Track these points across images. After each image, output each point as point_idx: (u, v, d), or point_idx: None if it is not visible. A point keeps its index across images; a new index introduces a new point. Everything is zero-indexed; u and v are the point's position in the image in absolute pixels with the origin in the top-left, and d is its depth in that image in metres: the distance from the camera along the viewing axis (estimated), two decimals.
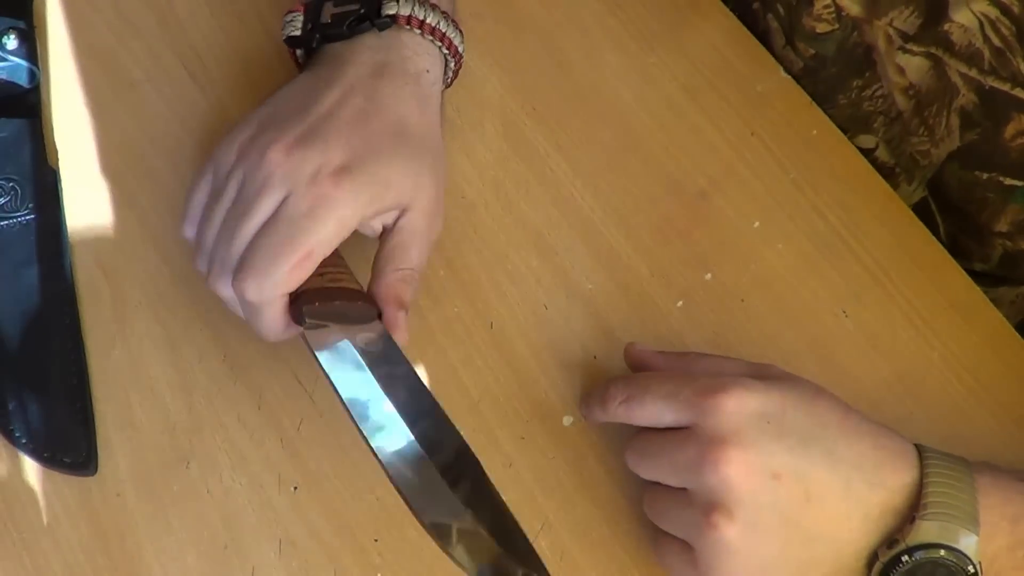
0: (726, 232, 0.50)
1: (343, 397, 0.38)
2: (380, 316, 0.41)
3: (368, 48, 0.44)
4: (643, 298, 0.49)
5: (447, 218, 0.49)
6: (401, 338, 0.41)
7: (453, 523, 0.37)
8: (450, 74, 0.48)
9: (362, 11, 0.44)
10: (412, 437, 0.38)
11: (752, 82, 0.54)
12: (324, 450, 0.45)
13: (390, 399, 0.38)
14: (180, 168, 0.50)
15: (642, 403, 0.40)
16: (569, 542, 0.44)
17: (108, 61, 0.52)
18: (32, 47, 0.50)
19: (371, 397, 0.38)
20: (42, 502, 0.43)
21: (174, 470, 0.44)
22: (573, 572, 0.43)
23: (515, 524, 0.38)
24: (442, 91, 0.47)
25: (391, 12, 0.44)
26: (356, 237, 0.42)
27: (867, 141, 0.55)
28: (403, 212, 0.42)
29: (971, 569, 0.37)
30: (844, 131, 0.53)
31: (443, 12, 0.46)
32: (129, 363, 0.46)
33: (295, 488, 0.44)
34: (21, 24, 0.50)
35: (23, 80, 0.50)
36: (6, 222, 0.47)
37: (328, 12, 0.45)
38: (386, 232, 0.43)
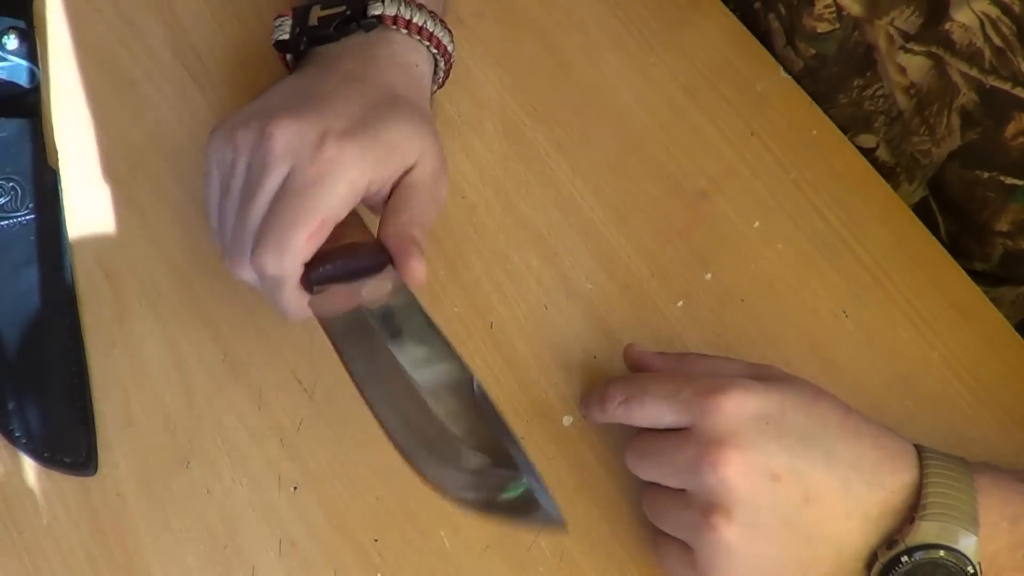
0: (726, 232, 0.50)
1: (352, 372, 0.37)
2: (393, 263, 0.40)
3: (356, 47, 0.44)
4: (643, 298, 0.49)
5: (447, 218, 0.49)
6: (417, 279, 0.40)
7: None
8: (441, 74, 0.48)
9: (348, 12, 0.44)
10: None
11: (752, 82, 0.54)
12: (324, 450, 0.45)
13: (403, 361, 0.37)
14: (180, 168, 0.50)
15: (641, 404, 0.40)
16: (569, 542, 0.44)
17: (108, 61, 0.52)
18: (32, 47, 0.50)
19: (383, 366, 0.38)
20: (42, 502, 0.43)
21: (174, 470, 0.44)
22: (573, 572, 0.43)
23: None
24: (433, 91, 0.47)
25: (376, 12, 0.44)
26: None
27: (868, 141, 0.55)
28: (408, 171, 0.42)
29: (970, 569, 0.37)
30: (845, 131, 0.53)
31: (430, 12, 0.45)
32: (129, 363, 0.46)
33: (295, 488, 0.44)
34: (21, 24, 0.50)
35: (23, 80, 0.50)
36: (6, 222, 0.47)
37: (315, 15, 0.45)
38: (392, 189, 0.42)
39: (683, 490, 0.39)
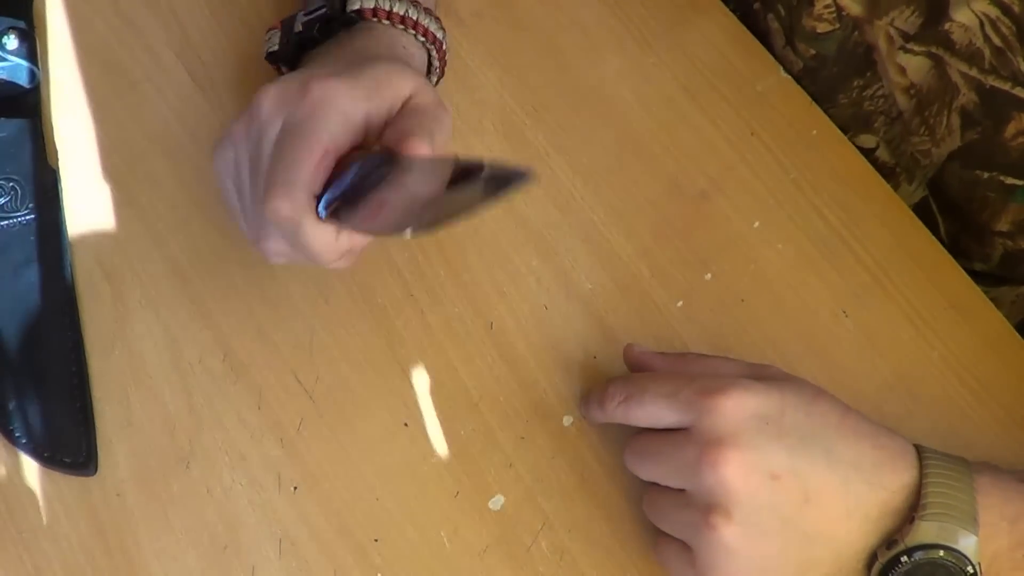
0: (726, 232, 0.50)
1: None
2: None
3: (341, 45, 0.44)
4: (643, 298, 0.49)
5: None
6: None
7: None
8: (436, 64, 0.47)
9: (327, 12, 0.44)
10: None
11: (752, 82, 0.54)
12: (324, 450, 0.45)
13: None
14: (180, 168, 0.50)
15: (641, 403, 0.40)
16: (569, 542, 0.44)
17: (108, 61, 0.52)
18: (32, 47, 0.50)
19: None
20: (42, 502, 0.43)
21: (174, 470, 0.44)
22: (573, 572, 0.43)
23: None
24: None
25: (355, 7, 0.44)
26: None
27: (868, 141, 0.55)
28: (406, 102, 0.41)
29: (970, 570, 0.37)
30: (845, 131, 0.53)
31: (412, 1, 0.45)
32: (129, 363, 0.46)
33: (295, 488, 0.44)
34: (21, 24, 0.50)
35: (23, 80, 0.50)
36: (6, 222, 0.47)
37: (300, 22, 0.45)
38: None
39: (683, 490, 0.39)
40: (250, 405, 0.45)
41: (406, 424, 0.45)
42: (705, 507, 0.37)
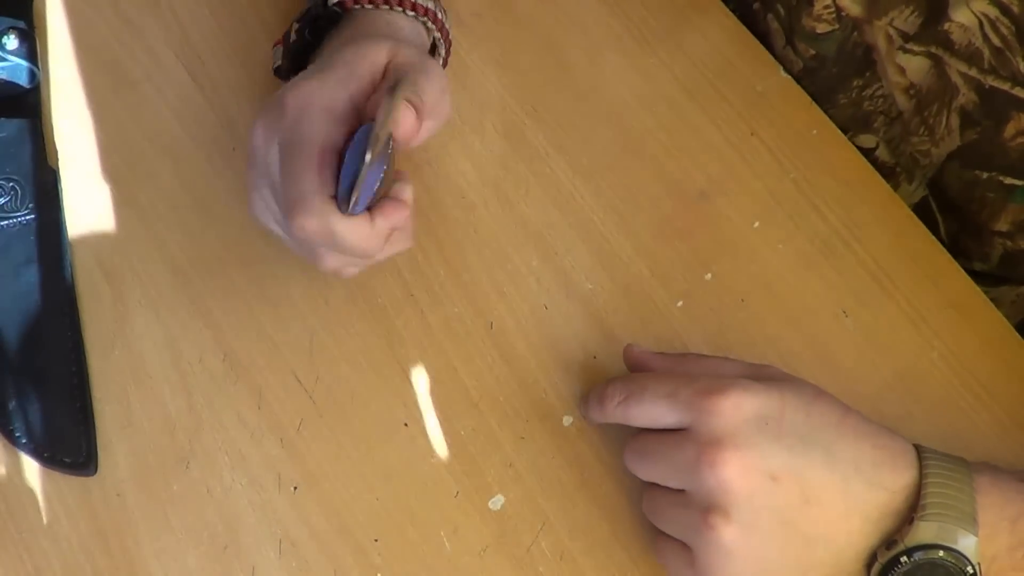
0: (726, 232, 0.50)
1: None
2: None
3: (334, 40, 0.44)
4: (643, 298, 0.49)
5: (447, 218, 0.49)
6: (401, 130, 0.38)
7: None
8: (437, 36, 0.47)
9: (311, 10, 0.44)
10: None
11: (752, 82, 0.54)
12: (324, 450, 0.45)
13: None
14: (180, 168, 0.50)
15: (640, 404, 0.40)
16: (569, 542, 0.44)
17: (108, 61, 0.52)
18: (32, 47, 0.50)
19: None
20: (42, 502, 0.43)
21: (174, 470, 0.44)
22: (573, 572, 0.43)
23: None
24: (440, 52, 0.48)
25: (335, 0, 0.44)
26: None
27: (867, 141, 0.55)
28: (387, 65, 0.41)
29: (970, 570, 0.37)
30: (844, 131, 0.53)
31: None
32: (129, 363, 0.46)
33: (295, 488, 0.44)
34: (21, 24, 0.50)
35: (23, 80, 0.50)
36: (6, 222, 0.47)
37: (293, 30, 0.46)
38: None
39: (682, 490, 0.39)
40: (250, 405, 0.45)
41: (406, 424, 0.45)
42: (704, 507, 0.37)
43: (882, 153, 0.55)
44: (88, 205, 0.49)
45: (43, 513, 0.43)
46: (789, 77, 0.54)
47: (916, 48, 0.49)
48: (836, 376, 0.46)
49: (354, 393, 0.46)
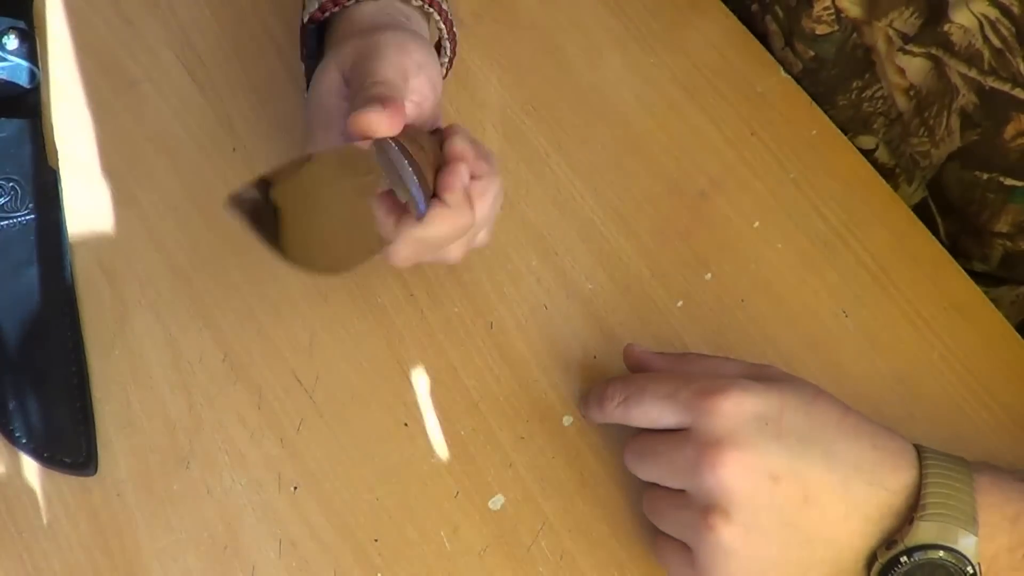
0: (726, 232, 0.50)
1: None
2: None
3: (335, 39, 0.45)
4: (643, 298, 0.49)
5: None
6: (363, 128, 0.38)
7: None
8: (442, 26, 0.47)
9: (304, 17, 0.44)
10: None
11: (752, 82, 0.54)
12: (324, 450, 0.45)
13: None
14: (180, 168, 0.50)
15: (640, 404, 0.40)
16: (569, 542, 0.44)
17: (108, 61, 0.52)
18: (32, 47, 0.50)
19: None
20: (42, 502, 0.43)
21: (174, 470, 0.44)
22: (573, 572, 0.43)
23: None
24: (446, 58, 0.48)
25: (305, 19, 0.44)
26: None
27: (867, 142, 0.55)
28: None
29: (970, 570, 0.37)
30: (844, 132, 0.53)
31: None
32: (129, 363, 0.46)
33: (295, 488, 0.44)
34: (21, 24, 0.50)
35: (23, 80, 0.50)
36: (6, 222, 0.47)
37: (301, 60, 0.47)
38: None
39: (682, 490, 0.39)
40: (250, 405, 0.45)
41: (406, 424, 0.45)
42: (704, 508, 0.37)
43: (882, 154, 0.56)
44: (88, 205, 0.49)
45: (43, 513, 0.43)
46: (789, 77, 0.54)
47: (916, 49, 0.49)
48: (836, 376, 0.47)
49: (354, 393, 0.46)
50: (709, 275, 0.49)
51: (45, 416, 0.44)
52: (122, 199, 0.49)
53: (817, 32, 0.53)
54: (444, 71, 0.48)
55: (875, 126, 0.54)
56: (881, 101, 0.53)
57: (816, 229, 0.50)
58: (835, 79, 0.54)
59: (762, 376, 0.41)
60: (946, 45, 0.48)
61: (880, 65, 0.52)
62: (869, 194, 0.51)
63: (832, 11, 0.51)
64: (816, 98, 0.53)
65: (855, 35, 0.52)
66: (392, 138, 0.38)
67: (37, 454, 0.43)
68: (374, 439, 0.45)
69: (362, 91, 0.39)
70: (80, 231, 0.48)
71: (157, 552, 0.43)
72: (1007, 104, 0.46)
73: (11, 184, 0.48)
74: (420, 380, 0.46)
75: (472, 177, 0.41)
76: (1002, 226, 0.51)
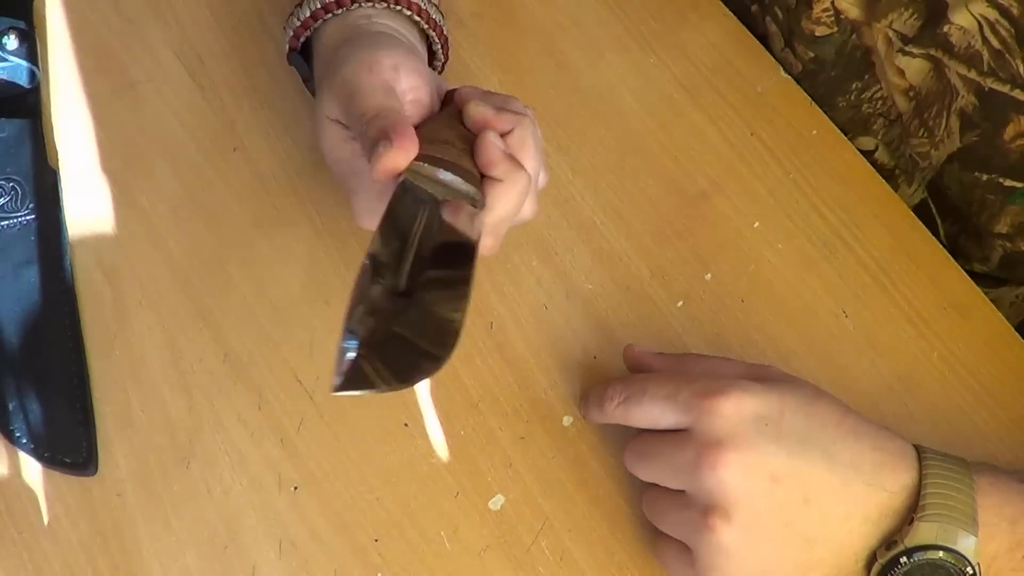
0: (726, 232, 0.50)
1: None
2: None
3: (316, 74, 0.45)
4: (643, 298, 0.49)
5: None
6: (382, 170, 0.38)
7: None
8: (427, 29, 0.47)
9: (285, 49, 0.45)
10: None
11: (752, 82, 0.54)
12: (324, 450, 0.45)
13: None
14: (180, 168, 0.50)
15: (640, 404, 0.40)
16: (569, 542, 0.44)
17: (108, 61, 0.52)
18: (32, 47, 0.50)
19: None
20: (42, 502, 0.43)
21: (174, 470, 0.44)
22: (573, 572, 0.43)
23: None
24: (440, 59, 0.48)
25: (303, 16, 0.44)
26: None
27: (867, 143, 0.55)
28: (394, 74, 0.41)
29: (969, 570, 0.37)
30: (844, 133, 0.53)
31: None
32: (129, 363, 0.46)
33: (295, 488, 0.44)
34: (21, 24, 0.50)
35: (23, 80, 0.50)
36: (6, 222, 0.47)
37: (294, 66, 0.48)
38: None
39: (682, 491, 0.39)
40: (250, 405, 0.45)
41: (406, 424, 0.45)
42: (704, 508, 0.37)
43: (881, 155, 0.56)
44: (88, 205, 0.49)
45: (43, 513, 0.43)
46: (789, 77, 0.54)
47: (915, 50, 0.49)
48: (836, 376, 0.47)
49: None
50: (709, 275, 0.49)
51: (45, 416, 0.44)
52: (122, 199, 0.49)
53: (816, 33, 0.53)
54: (439, 47, 0.48)
55: (875, 127, 0.54)
56: (881, 102, 0.53)
57: (816, 229, 0.50)
58: (835, 80, 0.54)
59: (762, 377, 0.41)
60: (945, 46, 0.48)
61: (879, 66, 0.52)
62: (869, 194, 0.51)
63: (831, 12, 0.51)
64: (816, 99, 0.53)
65: (854, 36, 0.52)
66: (416, 155, 0.38)
67: (37, 454, 0.43)
68: (374, 439, 0.45)
69: (364, 137, 0.39)
70: (80, 231, 0.48)
71: (157, 552, 0.43)
72: (1006, 105, 0.46)
73: (11, 184, 0.48)
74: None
75: (503, 136, 0.40)
76: (1002, 227, 0.51)
